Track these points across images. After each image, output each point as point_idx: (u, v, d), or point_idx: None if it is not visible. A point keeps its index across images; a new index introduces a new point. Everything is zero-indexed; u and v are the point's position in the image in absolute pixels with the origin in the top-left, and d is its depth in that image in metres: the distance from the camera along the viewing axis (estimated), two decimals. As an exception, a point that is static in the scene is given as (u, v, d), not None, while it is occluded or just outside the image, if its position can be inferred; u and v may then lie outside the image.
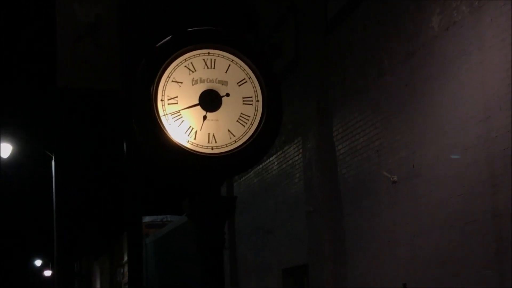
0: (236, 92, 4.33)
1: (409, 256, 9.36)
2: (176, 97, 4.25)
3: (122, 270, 33.41)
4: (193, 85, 4.28)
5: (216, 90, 4.30)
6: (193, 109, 4.25)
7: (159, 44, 4.29)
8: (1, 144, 24.56)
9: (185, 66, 4.28)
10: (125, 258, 29.91)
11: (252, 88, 4.36)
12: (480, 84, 7.89)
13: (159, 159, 4.25)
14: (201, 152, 4.21)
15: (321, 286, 11.79)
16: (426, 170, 8.97)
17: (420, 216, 9.10)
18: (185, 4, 4.49)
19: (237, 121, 4.32)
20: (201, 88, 4.29)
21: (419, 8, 9.12)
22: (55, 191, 23.70)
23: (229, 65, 4.35)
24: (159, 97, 4.22)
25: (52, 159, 24.09)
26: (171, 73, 4.26)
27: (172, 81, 4.26)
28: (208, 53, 4.33)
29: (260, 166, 14.66)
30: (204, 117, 4.26)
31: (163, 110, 4.21)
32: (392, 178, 9.67)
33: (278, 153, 14.04)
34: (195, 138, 4.23)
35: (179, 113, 4.24)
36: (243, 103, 4.34)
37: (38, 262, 62.67)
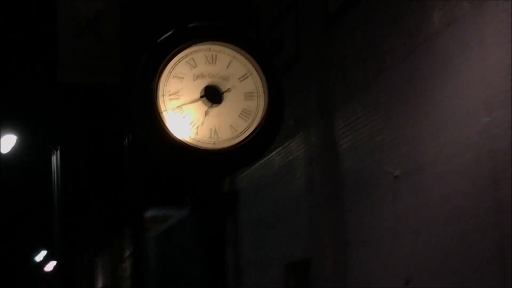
0: (238, 87, 4.33)
1: (411, 252, 9.35)
2: (178, 92, 4.25)
3: (124, 265, 33.42)
4: (194, 80, 4.28)
5: (218, 85, 4.31)
6: (194, 104, 4.26)
7: (160, 39, 4.29)
8: (4, 137, 24.60)
9: (187, 62, 4.28)
10: (127, 253, 29.92)
11: (254, 83, 4.37)
12: (481, 80, 7.88)
13: (161, 154, 4.26)
14: (203, 147, 4.22)
15: (323, 281, 11.80)
16: (428, 166, 8.97)
17: (422, 211, 9.10)
18: (188, 2, 4.49)
19: (239, 116, 4.32)
20: (202, 83, 4.29)
21: (420, 4, 9.10)
22: (57, 185, 23.73)
23: (231, 60, 4.35)
24: (160, 92, 4.22)
25: (53, 153, 24.11)
26: (172, 68, 4.26)
27: (174, 76, 4.26)
28: (209, 48, 4.33)
29: (262, 161, 14.65)
30: (206, 112, 4.26)
31: (164, 106, 4.22)
32: (395, 173, 9.66)
33: (280, 148, 14.03)
34: (196, 133, 4.23)
35: (180, 108, 4.24)
36: (245, 98, 4.35)
37: (39, 257, 62.69)
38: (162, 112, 4.20)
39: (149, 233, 27.30)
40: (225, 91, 4.30)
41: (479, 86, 7.92)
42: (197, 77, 4.29)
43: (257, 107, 4.35)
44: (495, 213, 7.70)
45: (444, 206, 8.60)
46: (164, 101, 4.22)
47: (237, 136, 4.29)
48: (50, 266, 55.01)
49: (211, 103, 4.26)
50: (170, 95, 4.24)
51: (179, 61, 4.27)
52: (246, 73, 4.36)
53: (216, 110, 4.28)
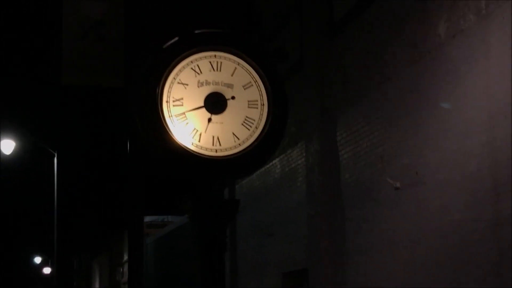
0: (241, 95, 4.32)
1: (410, 263, 9.33)
2: (182, 99, 4.24)
3: (121, 269, 33.39)
4: (198, 87, 4.27)
5: (222, 92, 4.29)
6: (198, 111, 4.25)
7: (165, 45, 4.28)
8: (4, 141, 24.57)
9: (191, 68, 4.27)
10: (125, 257, 29.89)
11: (258, 92, 4.35)
12: (485, 92, 7.87)
13: (163, 160, 4.25)
14: (205, 155, 4.20)
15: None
16: (429, 177, 8.95)
17: (422, 222, 9.07)
18: (190, 5, 4.49)
19: (242, 124, 4.31)
20: (206, 90, 4.28)
21: (425, 14, 9.10)
22: (57, 189, 23.69)
23: (235, 68, 4.34)
24: (165, 98, 4.21)
25: (54, 157, 24.09)
26: (177, 74, 4.25)
27: (178, 82, 4.25)
28: (215, 55, 4.32)
29: (263, 168, 14.64)
30: (209, 120, 4.25)
31: (168, 112, 4.21)
32: (395, 184, 9.64)
33: (281, 156, 14.02)
34: (199, 141, 4.22)
35: (184, 115, 4.23)
36: (248, 107, 4.33)
37: (37, 259, 62.70)
38: (165, 118, 4.19)
39: (148, 239, 27.28)
40: (229, 99, 4.29)
41: (483, 97, 7.91)
42: (201, 84, 4.28)
43: (260, 115, 4.34)
44: (494, 226, 7.68)
45: (444, 218, 8.58)
46: (168, 107, 4.21)
47: (239, 145, 4.28)
48: (48, 269, 54.98)
49: (210, 114, 4.25)
50: (174, 101, 4.23)
51: (184, 67, 4.26)
52: (250, 81, 4.35)
53: (219, 117, 4.27)
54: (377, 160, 10.30)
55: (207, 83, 4.29)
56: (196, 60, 4.28)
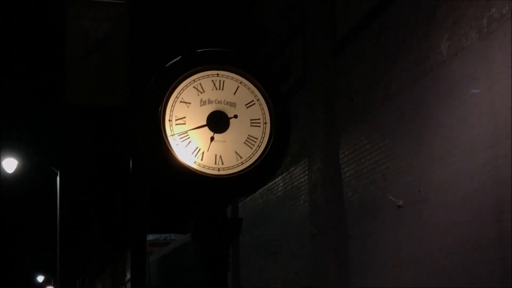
0: (244, 114, 4.32)
1: (414, 281, 9.30)
2: (184, 117, 4.24)
3: (124, 288, 33.30)
4: (201, 106, 4.28)
5: (224, 111, 4.30)
6: (200, 130, 4.25)
7: (168, 64, 4.29)
8: (7, 159, 24.62)
9: (194, 87, 4.28)
10: (128, 276, 29.82)
11: (260, 110, 4.36)
12: (487, 111, 7.88)
13: (166, 179, 4.24)
14: (207, 173, 4.20)
15: (324, 309, 11.73)
16: (432, 195, 8.94)
17: (425, 241, 9.06)
18: (194, 24, 4.50)
19: (245, 142, 4.31)
20: (209, 109, 4.28)
21: (428, 33, 9.13)
22: (59, 207, 23.70)
23: (238, 86, 4.35)
24: (167, 117, 4.22)
25: (57, 175, 24.11)
26: (179, 93, 4.25)
27: (181, 101, 4.25)
28: (217, 74, 4.33)
29: (266, 187, 14.64)
30: (212, 138, 4.25)
31: (171, 130, 4.21)
32: (398, 202, 9.64)
33: (284, 174, 14.02)
34: (202, 159, 4.22)
35: (186, 134, 4.23)
36: (251, 125, 4.33)
37: (40, 278, 62.58)
38: (168, 137, 4.19)
39: (150, 257, 27.23)
40: (231, 117, 4.30)
41: (485, 116, 7.91)
42: (204, 102, 4.28)
43: (263, 134, 4.34)
44: (498, 244, 7.67)
45: (447, 236, 8.57)
46: (170, 125, 4.22)
47: (242, 163, 4.27)
48: (51, 287, 54.83)
49: (213, 133, 4.25)
50: (176, 120, 4.23)
51: (186, 86, 4.27)
52: (253, 100, 4.35)
53: (222, 136, 4.27)
54: (380, 178, 10.30)
55: (210, 101, 4.29)
56: (198, 78, 4.29)
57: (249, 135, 4.32)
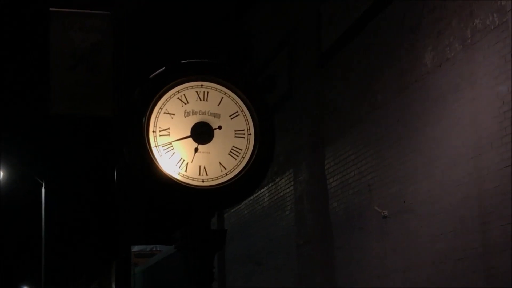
0: (228, 125, 4.32)
1: (399, 292, 9.31)
2: (168, 128, 4.23)
3: (110, 299, 33.12)
4: (185, 117, 4.27)
5: (208, 122, 4.29)
6: (184, 141, 4.24)
7: (152, 75, 4.28)
8: (-8, 170, 24.51)
9: (178, 98, 4.28)
10: (114, 287, 29.66)
11: (245, 121, 4.35)
12: (472, 121, 7.91)
13: (150, 190, 4.23)
14: (191, 185, 4.19)
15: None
16: (417, 206, 8.96)
17: (411, 251, 9.07)
18: (180, 35, 4.51)
19: (229, 153, 4.30)
20: (193, 120, 4.27)
21: (412, 44, 9.17)
22: (44, 218, 23.61)
23: (222, 97, 4.34)
24: (151, 128, 4.20)
25: (42, 186, 24.01)
26: (163, 104, 4.25)
27: (165, 112, 4.24)
28: (201, 85, 4.32)
29: (252, 197, 14.62)
30: (196, 149, 4.24)
31: (155, 142, 4.20)
32: (383, 212, 9.65)
33: (270, 185, 14.02)
34: (186, 170, 4.21)
35: (170, 145, 4.22)
36: (235, 136, 4.33)
37: (25, 289, 62.14)
38: (152, 148, 4.18)
39: (136, 268, 27.11)
40: (216, 128, 4.29)
41: (470, 126, 7.95)
42: (188, 113, 4.27)
43: (247, 145, 4.33)
44: (483, 254, 7.69)
45: (433, 246, 8.58)
46: (154, 137, 4.20)
47: (226, 174, 4.26)
48: (35, 299, 54.50)
49: (197, 144, 4.24)
50: (160, 131, 4.22)
51: (170, 97, 4.26)
52: (237, 111, 4.35)
53: (206, 147, 4.26)
54: (365, 188, 10.31)
55: (194, 113, 4.28)
56: (182, 89, 4.29)
57: (233, 146, 4.32)
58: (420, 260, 8.86)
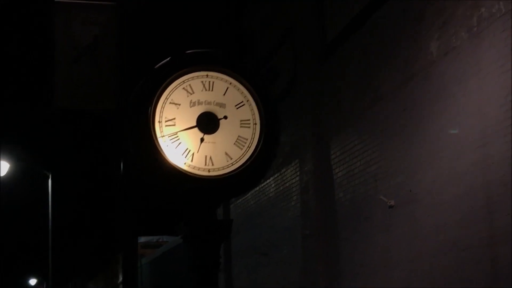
0: (234, 115, 4.32)
1: (405, 281, 9.31)
2: (174, 118, 4.24)
3: (116, 291, 33.21)
4: (191, 107, 4.27)
5: (214, 112, 4.29)
6: (190, 131, 4.24)
7: (157, 65, 4.29)
8: (-2, 162, 24.57)
9: (183, 88, 4.28)
10: (120, 279, 29.75)
11: (250, 111, 4.36)
12: (478, 110, 7.89)
13: (156, 180, 4.24)
14: (198, 175, 4.20)
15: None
16: (423, 195, 8.96)
17: (416, 241, 9.07)
18: (183, 27, 4.51)
19: (235, 143, 4.30)
20: (199, 110, 4.28)
21: (417, 33, 9.14)
22: (51, 210, 23.66)
23: (227, 87, 4.34)
24: (157, 118, 4.21)
25: (48, 178, 24.06)
26: (169, 94, 4.25)
27: (170, 102, 4.25)
28: (207, 75, 4.32)
29: (257, 188, 14.63)
30: (202, 139, 4.24)
31: (161, 132, 4.20)
32: (389, 202, 9.65)
33: (276, 175, 14.02)
34: (192, 160, 4.21)
35: (176, 135, 4.22)
36: (241, 126, 4.33)
37: (32, 281, 62.39)
38: (158, 138, 4.18)
39: (142, 259, 27.18)
40: (221, 118, 4.29)
41: (475, 116, 7.93)
42: (193, 103, 4.28)
43: (253, 135, 4.33)
44: (488, 244, 7.68)
45: (438, 236, 8.58)
46: (160, 127, 4.21)
47: (232, 164, 4.27)
48: (42, 291, 54.67)
49: (202, 134, 4.25)
50: (166, 121, 4.23)
51: (176, 87, 4.27)
52: (242, 101, 4.35)
53: (212, 137, 4.27)
54: (371, 178, 10.30)
55: (199, 103, 4.29)
56: (188, 80, 4.29)
57: (239, 136, 4.32)
58: (425, 250, 8.85)
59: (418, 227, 9.03)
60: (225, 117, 4.30)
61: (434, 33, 8.75)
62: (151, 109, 4.19)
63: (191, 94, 4.28)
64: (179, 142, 4.22)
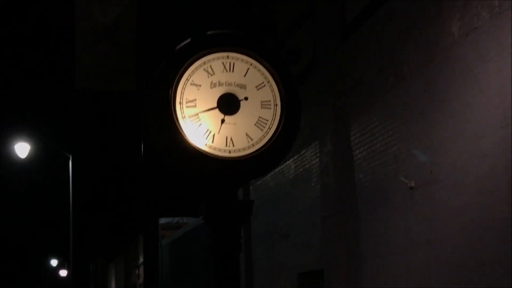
0: (254, 96, 4.32)
1: (425, 263, 9.30)
2: (195, 100, 4.25)
3: (137, 271, 33.45)
4: (211, 88, 4.28)
5: (235, 93, 4.30)
6: (211, 112, 4.25)
7: (178, 46, 4.29)
8: (19, 144, 24.73)
9: (204, 69, 4.28)
10: (141, 260, 29.94)
11: (271, 92, 4.36)
12: (500, 91, 7.84)
13: (176, 161, 4.25)
14: (218, 156, 4.21)
15: (336, 291, 11.76)
16: (444, 176, 8.92)
17: (437, 222, 9.05)
18: (203, 7, 4.51)
19: (255, 124, 4.31)
20: (219, 91, 4.28)
21: (439, 13, 9.07)
22: (72, 191, 23.80)
23: (248, 68, 4.34)
24: (178, 99, 4.22)
25: (69, 159, 24.19)
26: (190, 76, 4.26)
27: (191, 84, 4.26)
28: (227, 56, 4.32)
29: (277, 169, 14.65)
30: (222, 121, 4.25)
31: (181, 113, 4.22)
32: (410, 184, 9.62)
33: (295, 157, 14.02)
34: (212, 141, 4.23)
35: (197, 116, 4.24)
36: (261, 107, 4.34)
37: (54, 262, 62.95)
38: (179, 119, 4.19)
39: (163, 240, 27.33)
40: (242, 99, 4.29)
41: (497, 96, 7.87)
42: (214, 85, 4.28)
43: (274, 116, 4.34)
44: (510, 225, 7.64)
45: (459, 218, 8.55)
46: (181, 108, 4.22)
47: (253, 145, 4.28)
48: (64, 272, 55.16)
49: (223, 115, 4.25)
50: (187, 102, 4.24)
51: (196, 68, 4.27)
52: (263, 82, 4.35)
53: (232, 118, 4.27)
54: (391, 159, 10.28)
55: (220, 84, 4.29)
56: (208, 61, 4.29)
57: (259, 117, 4.32)
58: (446, 231, 8.83)
59: (439, 208, 9.01)
60: (246, 98, 4.30)
61: (456, 14, 8.68)
62: (171, 90, 4.20)
63: (211, 75, 4.29)
64: (199, 123, 4.23)
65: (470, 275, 8.32)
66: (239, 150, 4.25)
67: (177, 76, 4.22)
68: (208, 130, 4.23)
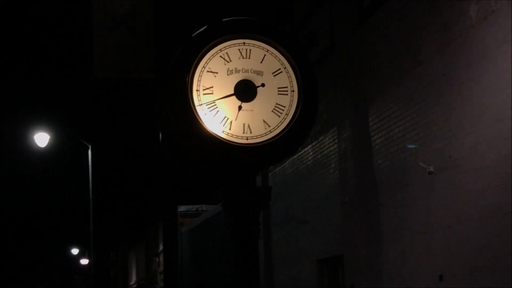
0: (271, 82, 4.32)
1: (445, 247, 9.29)
2: (212, 87, 4.25)
3: (157, 259, 33.60)
4: (228, 75, 4.28)
5: (251, 80, 4.29)
6: (228, 99, 4.25)
7: (194, 34, 4.29)
8: (39, 134, 24.86)
9: (221, 56, 4.28)
10: (161, 247, 30.06)
11: (288, 78, 4.35)
12: (518, 74, 7.79)
13: (194, 149, 4.26)
14: (236, 142, 4.21)
15: (355, 277, 11.76)
16: (462, 161, 8.89)
17: (456, 207, 9.02)
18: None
19: (272, 111, 4.30)
20: (236, 78, 4.28)
21: (456, -4, 9.02)
22: (92, 180, 23.91)
23: (265, 55, 4.33)
24: (195, 87, 4.22)
25: (89, 149, 24.30)
26: (206, 63, 4.26)
27: (208, 71, 4.26)
28: (244, 43, 4.32)
29: (295, 156, 14.64)
30: (239, 107, 4.25)
31: (199, 100, 4.22)
32: (429, 168, 9.59)
33: (313, 143, 14.00)
34: (230, 128, 4.23)
35: (214, 103, 4.24)
36: (278, 93, 4.33)
37: (74, 251, 63.32)
38: (196, 107, 4.20)
39: (182, 228, 27.42)
40: (259, 86, 4.29)
41: (515, 80, 7.83)
42: (230, 72, 4.28)
43: (291, 102, 4.33)
44: (531, 209, 7.62)
45: (479, 202, 8.53)
46: (198, 95, 4.23)
47: (270, 132, 4.27)
48: (85, 260, 55.51)
49: (240, 102, 4.25)
50: (204, 89, 4.24)
51: (213, 55, 4.27)
52: (279, 68, 4.34)
53: (249, 105, 4.27)
54: (410, 144, 10.25)
55: (237, 71, 4.29)
56: (225, 48, 4.29)
57: (276, 103, 4.32)
58: (466, 216, 8.81)
59: (458, 192, 8.98)
60: (263, 85, 4.29)
61: (473, -4, 8.62)
62: (188, 78, 4.20)
63: (228, 62, 4.28)
64: (217, 111, 4.23)
65: (490, 259, 8.30)
66: (257, 137, 4.25)
67: (194, 64, 4.22)
68: (225, 117, 4.24)
